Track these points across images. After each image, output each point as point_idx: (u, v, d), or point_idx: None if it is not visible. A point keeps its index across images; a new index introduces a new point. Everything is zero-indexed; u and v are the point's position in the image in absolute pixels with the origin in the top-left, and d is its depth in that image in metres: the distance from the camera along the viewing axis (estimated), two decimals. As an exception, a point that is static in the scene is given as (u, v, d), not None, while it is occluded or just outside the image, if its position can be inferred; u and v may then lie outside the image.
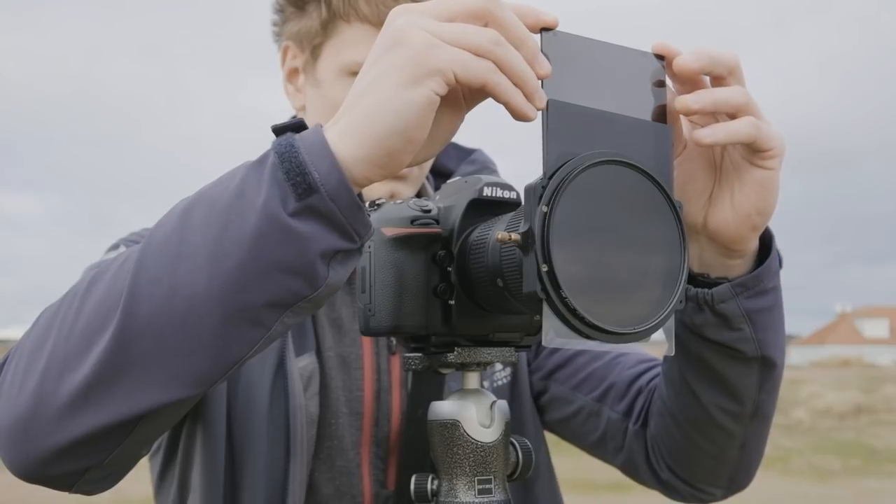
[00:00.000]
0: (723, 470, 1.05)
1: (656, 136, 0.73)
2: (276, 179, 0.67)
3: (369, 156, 0.67)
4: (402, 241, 0.80)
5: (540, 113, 0.68)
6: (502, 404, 0.81)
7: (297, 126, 0.72)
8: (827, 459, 12.07)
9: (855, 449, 13.19)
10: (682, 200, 0.83)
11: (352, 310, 1.13)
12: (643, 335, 0.68)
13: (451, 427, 0.79)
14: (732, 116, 0.79)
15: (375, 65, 0.68)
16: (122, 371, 0.71)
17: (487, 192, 0.81)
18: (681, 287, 0.69)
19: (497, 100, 0.67)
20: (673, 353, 0.78)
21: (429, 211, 0.82)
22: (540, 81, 0.68)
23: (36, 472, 0.77)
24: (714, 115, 0.80)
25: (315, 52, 1.14)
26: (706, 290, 0.88)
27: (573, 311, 0.64)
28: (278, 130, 0.72)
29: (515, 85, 0.67)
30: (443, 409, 0.80)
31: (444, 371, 0.83)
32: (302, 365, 1.07)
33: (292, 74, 1.19)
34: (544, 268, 0.64)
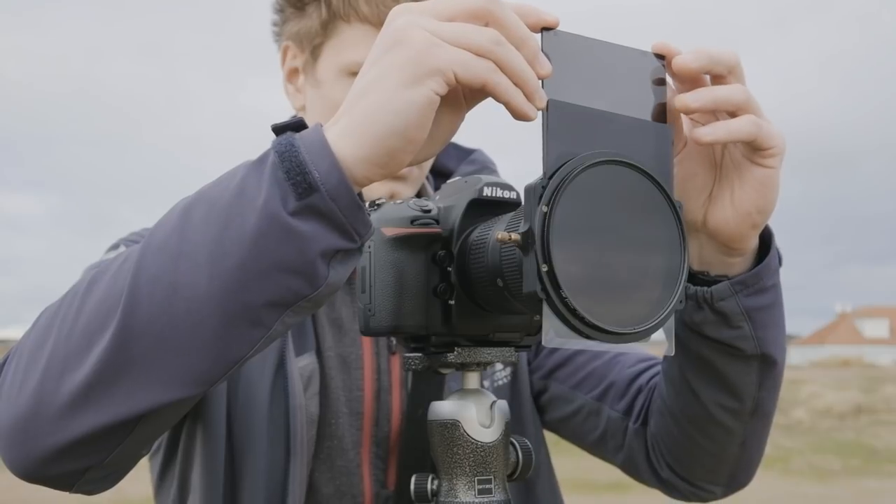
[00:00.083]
0: (723, 468, 1.05)
1: (656, 135, 0.73)
2: (276, 179, 0.67)
3: (369, 155, 0.67)
4: (402, 241, 0.80)
5: (540, 113, 0.68)
6: (502, 404, 0.81)
7: (296, 125, 0.72)
8: (827, 459, 12.07)
9: (855, 449, 13.19)
10: (682, 198, 0.83)
11: (352, 310, 1.13)
12: (643, 335, 0.68)
13: (451, 427, 0.79)
14: (732, 115, 0.79)
15: (375, 64, 0.68)
16: (122, 371, 0.71)
17: (487, 192, 0.81)
18: (681, 287, 0.69)
19: (497, 99, 0.67)
20: (673, 353, 0.78)
21: (429, 211, 0.82)
22: (540, 81, 0.68)
23: (36, 472, 0.77)
24: (714, 114, 0.80)
25: (315, 52, 1.14)
26: (705, 288, 0.88)
27: (573, 311, 0.64)
28: (278, 129, 0.72)
29: (516, 85, 0.66)
30: (443, 409, 0.80)
31: (444, 371, 0.83)
32: (302, 365, 1.07)
33: (292, 74, 1.19)
34: (544, 268, 0.64)
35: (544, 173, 0.66)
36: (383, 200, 0.85)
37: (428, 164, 1.19)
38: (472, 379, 0.82)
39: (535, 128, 0.68)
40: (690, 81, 0.78)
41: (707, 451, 1.03)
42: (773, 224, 0.89)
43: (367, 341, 1.12)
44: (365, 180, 0.69)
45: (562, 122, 0.68)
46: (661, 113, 0.75)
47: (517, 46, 0.67)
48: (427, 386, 1.09)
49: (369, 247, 0.80)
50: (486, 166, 1.25)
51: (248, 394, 1.04)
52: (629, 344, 0.68)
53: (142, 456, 0.84)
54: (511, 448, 0.82)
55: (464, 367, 0.81)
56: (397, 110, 0.66)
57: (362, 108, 0.67)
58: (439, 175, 1.25)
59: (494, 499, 0.78)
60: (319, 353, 1.10)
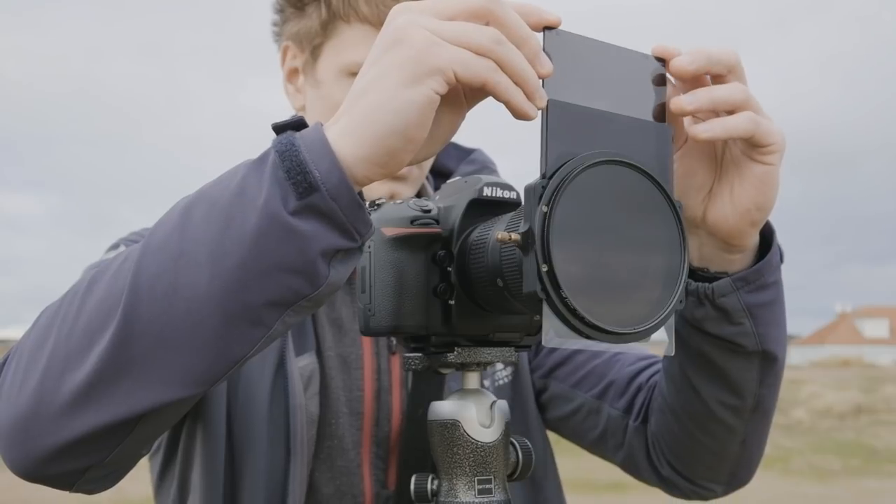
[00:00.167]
0: (724, 466, 1.05)
1: (656, 136, 0.73)
2: (276, 178, 0.67)
3: (369, 155, 0.67)
4: (402, 241, 0.80)
5: (539, 112, 0.68)
6: (502, 404, 0.81)
7: (297, 124, 0.72)
8: (827, 459, 12.07)
9: (855, 449, 13.19)
10: (681, 194, 0.83)
11: (352, 310, 1.13)
12: (643, 335, 0.68)
13: (451, 427, 0.79)
14: (732, 113, 0.79)
15: (376, 64, 0.68)
16: (122, 370, 0.71)
17: (487, 192, 0.81)
18: (681, 287, 0.69)
19: (497, 99, 0.67)
20: (673, 353, 0.78)
21: (429, 211, 0.82)
22: (541, 80, 0.68)
23: (36, 471, 0.77)
24: (715, 112, 0.81)
25: (315, 52, 1.14)
26: (706, 284, 0.88)
27: (573, 311, 0.64)
28: (278, 128, 0.72)
29: (516, 84, 0.66)
30: (443, 409, 0.80)
31: (444, 371, 0.83)
32: (302, 365, 1.07)
33: (292, 74, 1.19)
34: (544, 268, 0.64)
35: (544, 173, 0.66)
36: (383, 200, 0.85)
37: (428, 164, 1.19)
38: (472, 379, 0.82)
39: (535, 127, 0.68)
40: (691, 82, 0.78)
41: (708, 448, 1.03)
42: (773, 223, 0.89)
43: (367, 341, 1.12)
44: (365, 179, 0.69)
45: (562, 121, 0.68)
46: (662, 112, 0.75)
47: (518, 45, 0.67)
48: (427, 386, 1.09)
49: (369, 247, 0.80)
50: (486, 166, 1.25)
51: (248, 393, 1.05)
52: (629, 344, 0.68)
53: (142, 455, 0.84)
54: (511, 448, 0.82)
55: (464, 367, 0.81)
56: (397, 109, 0.66)
57: (362, 108, 0.67)
58: (439, 175, 1.25)
59: (494, 499, 0.78)
60: (319, 353, 1.10)
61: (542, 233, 0.64)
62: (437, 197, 0.85)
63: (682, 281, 0.69)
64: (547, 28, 0.69)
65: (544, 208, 0.64)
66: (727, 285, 0.88)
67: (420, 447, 1.07)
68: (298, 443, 1.03)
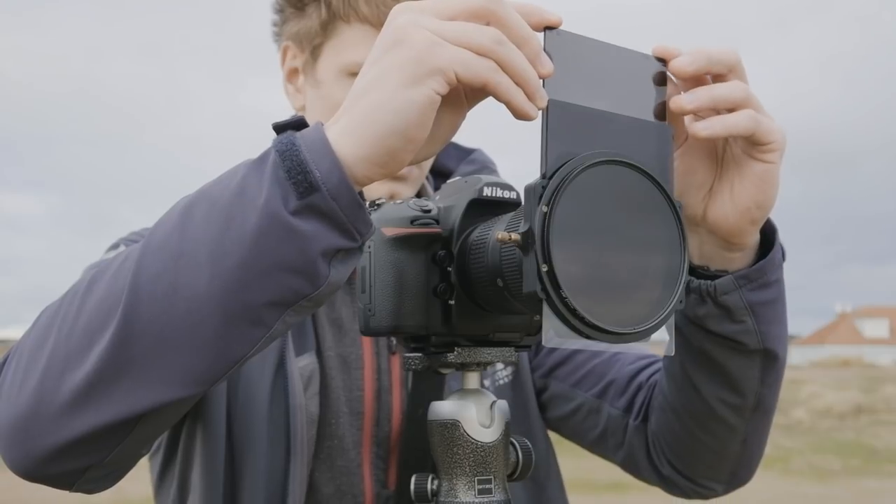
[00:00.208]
0: (724, 465, 1.05)
1: (656, 135, 0.73)
2: (277, 178, 0.67)
3: (370, 154, 0.67)
4: (402, 241, 0.80)
5: (540, 112, 0.68)
6: (502, 404, 0.81)
7: (297, 124, 0.72)
8: (827, 459, 12.07)
9: (855, 449, 13.19)
10: (682, 192, 0.84)
11: (352, 310, 1.13)
12: (643, 335, 0.68)
13: (451, 427, 0.79)
14: (732, 111, 0.79)
15: (376, 64, 0.68)
16: (122, 370, 0.71)
17: (487, 192, 0.81)
18: (681, 287, 0.69)
19: (498, 99, 0.67)
20: (673, 353, 0.78)
21: (429, 211, 0.82)
22: (542, 81, 0.68)
23: (37, 471, 0.77)
24: (715, 110, 0.81)
25: (315, 52, 1.14)
26: (709, 281, 0.88)
27: (573, 311, 0.64)
28: (279, 128, 0.72)
29: (517, 84, 0.66)
30: (443, 409, 0.80)
31: (444, 371, 0.83)
32: (302, 365, 1.07)
33: (292, 74, 1.19)
34: (544, 268, 0.64)
35: (544, 173, 0.66)
36: (383, 200, 0.85)
37: (428, 164, 1.19)
38: (472, 379, 0.82)
39: (535, 127, 0.68)
40: (691, 82, 0.78)
41: (709, 447, 1.03)
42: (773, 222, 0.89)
43: (367, 341, 1.12)
44: (365, 179, 0.69)
45: (562, 121, 0.68)
46: (662, 111, 0.75)
47: (519, 46, 0.67)
48: (427, 386, 1.09)
49: (369, 247, 0.80)
50: (486, 166, 1.25)
51: (248, 393, 1.05)
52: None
53: (142, 455, 0.84)
54: (511, 448, 0.82)
55: (464, 367, 0.81)
56: (398, 109, 0.66)
57: (363, 108, 0.67)
58: (439, 175, 1.25)
59: (494, 499, 0.78)
60: (319, 353, 1.10)
61: (542, 233, 0.64)
62: (437, 197, 0.85)
63: (682, 281, 0.69)
64: (548, 28, 0.69)
65: (544, 208, 0.64)
66: (729, 283, 0.88)
67: (420, 447, 1.07)
68: (298, 443, 1.03)
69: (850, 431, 15.20)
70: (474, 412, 0.79)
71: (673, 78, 0.78)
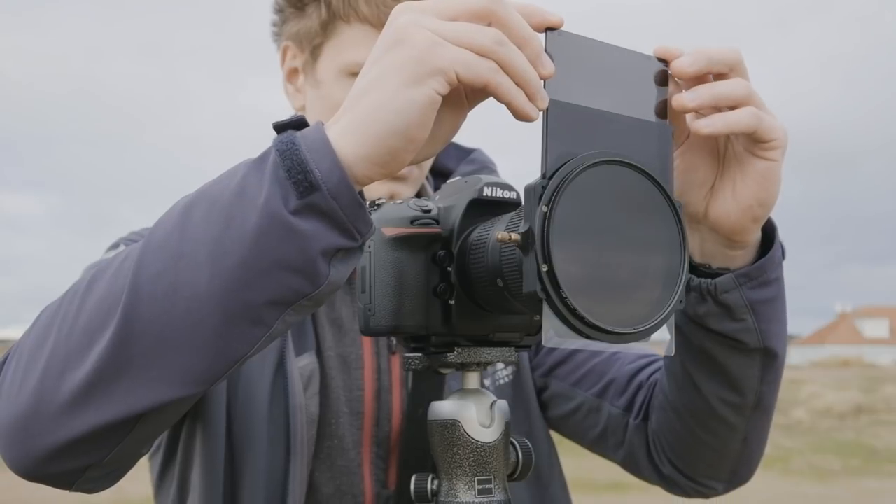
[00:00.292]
0: (725, 464, 1.05)
1: (656, 135, 0.73)
2: (277, 177, 0.67)
3: (370, 154, 0.67)
4: (402, 241, 0.80)
5: (540, 112, 0.68)
6: (502, 404, 0.81)
7: (298, 123, 0.72)
8: (827, 459, 12.07)
9: (855, 449, 13.19)
10: (683, 190, 0.84)
11: (352, 309, 1.13)
12: (643, 335, 0.68)
13: (451, 427, 0.79)
14: (734, 109, 0.79)
15: (377, 63, 0.68)
16: (122, 369, 0.71)
17: (487, 192, 0.81)
18: (681, 287, 0.69)
19: (499, 100, 0.67)
20: (673, 353, 0.78)
21: (429, 211, 0.82)
22: (543, 81, 0.68)
23: (36, 471, 0.77)
24: (717, 108, 0.81)
25: (315, 52, 1.14)
26: (709, 280, 0.88)
27: (573, 311, 0.64)
28: (279, 127, 0.72)
29: (518, 85, 0.66)
30: (443, 409, 0.80)
31: (444, 371, 0.83)
32: (302, 364, 1.07)
33: (292, 74, 1.19)
34: (544, 268, 0.64)
35: (544, 173, 0.66)
36: (383, 200, 0.85)
37: (428, 164, 1.19)
38: (472, 379, 0.82)
39: (535, 128, 0.68)
40: (693, 82, 0.78)
41: (709, 446, 1.03)
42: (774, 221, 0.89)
43: (367, 341, 1.12)
44: (366, 179, 0.69)
45: (562, 121, 0.68)
46: (663, 110, 0.75)
47: (520, 46, 0.67)
48: (427, 386, 1.09)
49: (369, 247, 0.80)
50: (486, 166, 1.25)
51: (248, 393, 1.05)
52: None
53: (142, 455, 0.84)
54: (511, 448, 0.82)
55: (464, 367, 0.81)
56: (398, 109, 0.66)
57: (364, 107, 0.67)
58: (439, 175, 1.25)
59: (494, 499, 0.78)
60: (319, 353, 1.10)
61: (542, 233, 0.64)
62: (437, 197, 0.85)
63: (682, 281, 0.69)
64: (549, 29, 0.69)
65: (544, 208, 0.64)
66: (730, 281, 0.88)
67: (420, 447, 1.07)
68: (298, 443, 1.03)
69: (850, 431, 15.20)
70: (474, 412, 0.79)
71: (675, 79, 0.78)
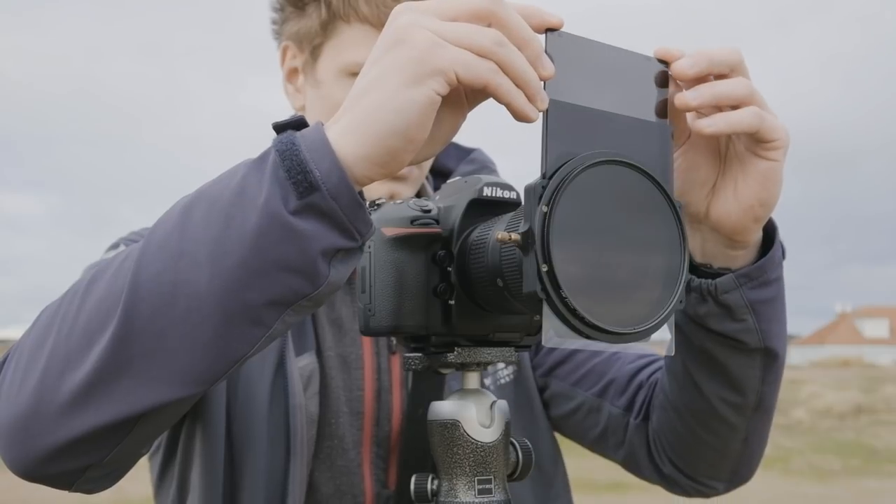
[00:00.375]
0: (725, 463, 1.05)
1: (656, 135, 0.73)
2: (277, 178, 0.67)
3: (370, 154, 0.67)
4: (402, 241, 0.80)
5: (540, 113, 0.68)
6: (502, 404, 0.81)
7: (297, 123, 0.72)
8: (827, 459, 12.07)
9: (855, 449, 13.19)
10: (685, 189, 0.84)
11: (352, 310, 1.13)
12: (643, 335, 0.68)
13: (451, 427, 0.79)
14: (736, 108, 0.79)
15: (377, 63, 0.68)
16: (122, 369, 0.71)
17: (487, 192, 0.81)
18: (681, 287, 0.69)
19: (498, 101, 0.67)
20: (673, 353, 0.78)
21: (429, 211, 0.82)
22: (542, 82, 0.68)
23: (36, 471, 0.77)
24: (718, 107, 0.81)
25: (315, 52, 1.14)
26: (709, 280, 0.88)
27: (573, 311, 0.64)
28: (279, 128, 0.72)
29: (517, 86, 0.66)
30: (443, 409, 0.80)
31: (444, 371, 0.83)
32: (302, 364, 1.07)
33: (292, 74, 1.19)
34: (544, 268, 0.64)
35: (544, 173, 0.66)
36: (383, 200, 0.85)
37: (428, 164, 1.19)
38: (473, 379, 0.82)
39: (535, 128, 0.68)
40: (694, 84, 0.78)
41: (710, 446, 1.03)
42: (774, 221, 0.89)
43: (367, 341, 1.12)
44: (366, 179, 0.69)
45: (562, 121, 0.68)
46: (663, 109, 0.75)
47: (520, 47, 0.67)
48: (427, 386, 1.09)
49: (369, 247, 0.80)
50: (486, 166, 1.25)
51: (248, 393, 1.05)
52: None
53: (142, 455, 0.84)
54: (511, 448, 0.82)
55: (464, 367, 0.81)
56: (398, 109, 0.66)
57: (363, 107, 0.67)
58: (439, 175, 1.25)
59: (494, 499, 0.78)
60: (319, 353, 1.10)
61: (542, 233, 0.64)
62: (437, 197, 0.85)
63: (682, 281, 0.69)
64: (549, 30, 0.69)
65: (544, 208, 0.64)
66: (730, 282, 0.88)
67: (420, 447, 1.07)
68: (298, 443, 1.03)
69: (850, 431, 15.21)
70: (474, 412, 0.79)
71: (676, 80, 0.77)
